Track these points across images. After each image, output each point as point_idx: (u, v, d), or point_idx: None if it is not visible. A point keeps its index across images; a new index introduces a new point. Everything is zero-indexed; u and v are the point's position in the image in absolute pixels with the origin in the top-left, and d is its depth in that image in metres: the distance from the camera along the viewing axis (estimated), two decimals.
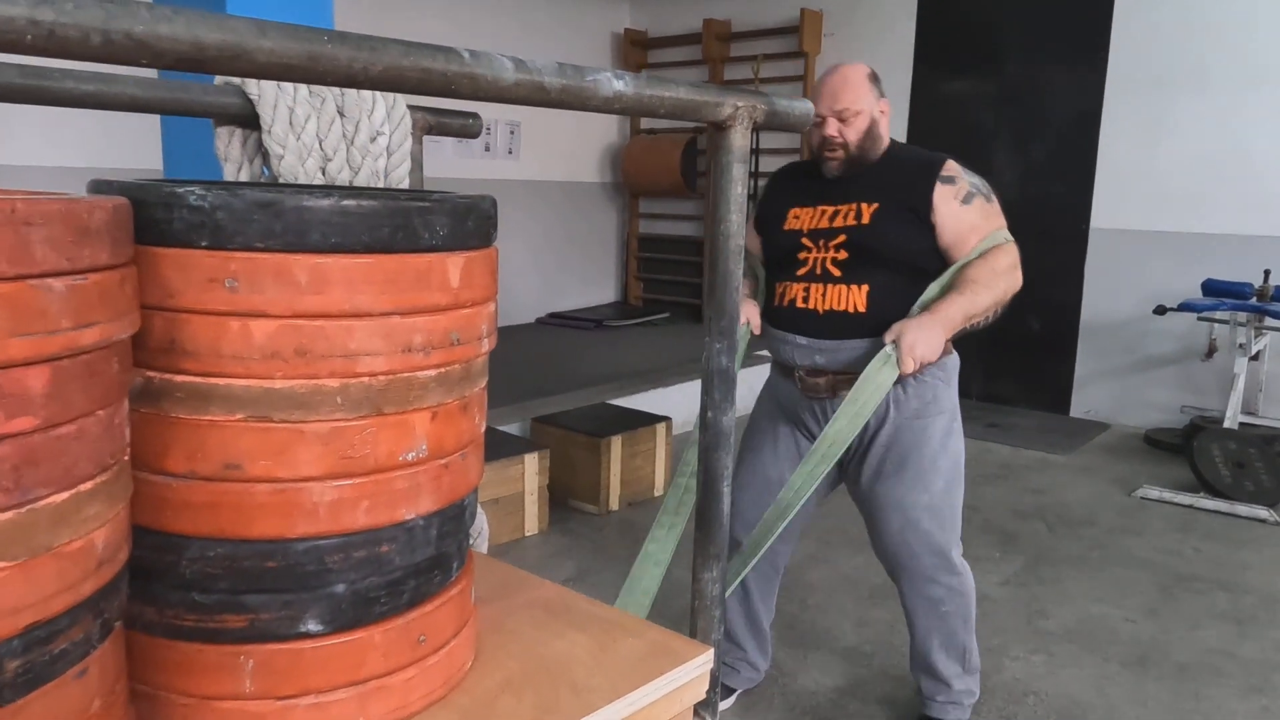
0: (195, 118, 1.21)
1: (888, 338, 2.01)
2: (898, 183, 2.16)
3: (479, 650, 1.03)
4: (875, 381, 1.95)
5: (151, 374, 0.80)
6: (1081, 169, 5.57)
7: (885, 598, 3.15)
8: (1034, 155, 5.79)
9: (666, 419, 4.19)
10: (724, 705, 2.52)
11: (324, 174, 1.18)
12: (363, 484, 0.83)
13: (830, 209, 2.20)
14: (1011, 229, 2.18)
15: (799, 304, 2.20)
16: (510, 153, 6.78)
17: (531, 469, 3.61)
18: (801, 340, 2.20)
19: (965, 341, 2.21)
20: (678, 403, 4.88)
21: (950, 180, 2.13)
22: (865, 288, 2.13)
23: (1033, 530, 3.84)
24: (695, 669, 1.05)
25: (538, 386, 4.77)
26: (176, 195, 0.78)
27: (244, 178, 1.21)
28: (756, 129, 1.04)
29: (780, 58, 6.66)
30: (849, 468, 2.29)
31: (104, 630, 0.71)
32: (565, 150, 7.21)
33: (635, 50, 7.37)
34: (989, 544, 3.63)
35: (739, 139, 1.01)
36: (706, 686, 1.08)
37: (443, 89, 0.75)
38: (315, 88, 1.19)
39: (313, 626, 0.84)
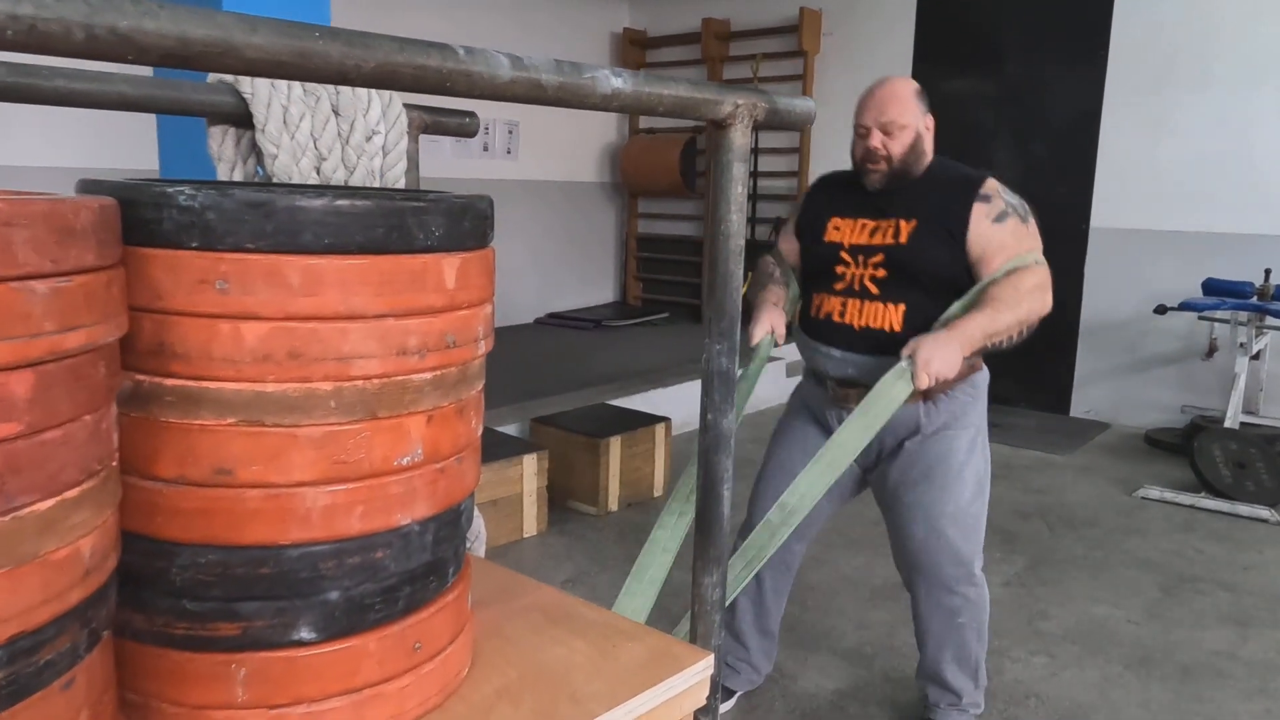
0: (192, 117, 1.19)
1: (904, 352, 2.00)
2: (937, 202, 2.15)
3: (476, 657, 1.01)
4: (888, 395, 1.94)
5: (141, 377, 0.78)
6: (1081, 168, 5.56)
7: (885, 599, 3.14)
8: (1034, 154, 5.78)
9: (666, 419, 4.18)
10: (723, 708, 2.49)
11: (319, 173, 1.17)
12: (357, 489, 0.82)
13: (871, 224, 2.20)
14: None
15: (835, 318, 2.21)
16: (509, 153, 6.77)
17: (530, 470, 3.59)
18: (836, 353, 2.21)
19: None
20: (677, 403, 4.86)
21: (986, 199, 2.13)
22: (902, 307, 2.14)
23: (1033, 531, 3.83)
24: (695, 675, 1.04)
25: (536, 387, 4.76)
26: (166, 195, 0.76)
27: (238, 177, 1.19)
28: (757, 128, 1.03)
29: (779, 57, 6.64)
30: (874, 475, 2.30)
31: (92, 640, 0.70)
32: (564, 150, 7.20)
33: (634, 50, 7.36)
34: (989, 545, 3.57)
35: (739, 137, 1.00)
36: (707, 692, 1.06)
37: (437, 86, 0.73)
38: (310, 86, 1.17)
39: (306, 634, 0.83)
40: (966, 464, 2.21)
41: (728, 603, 1.62)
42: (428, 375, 0.85)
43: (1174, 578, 3.41)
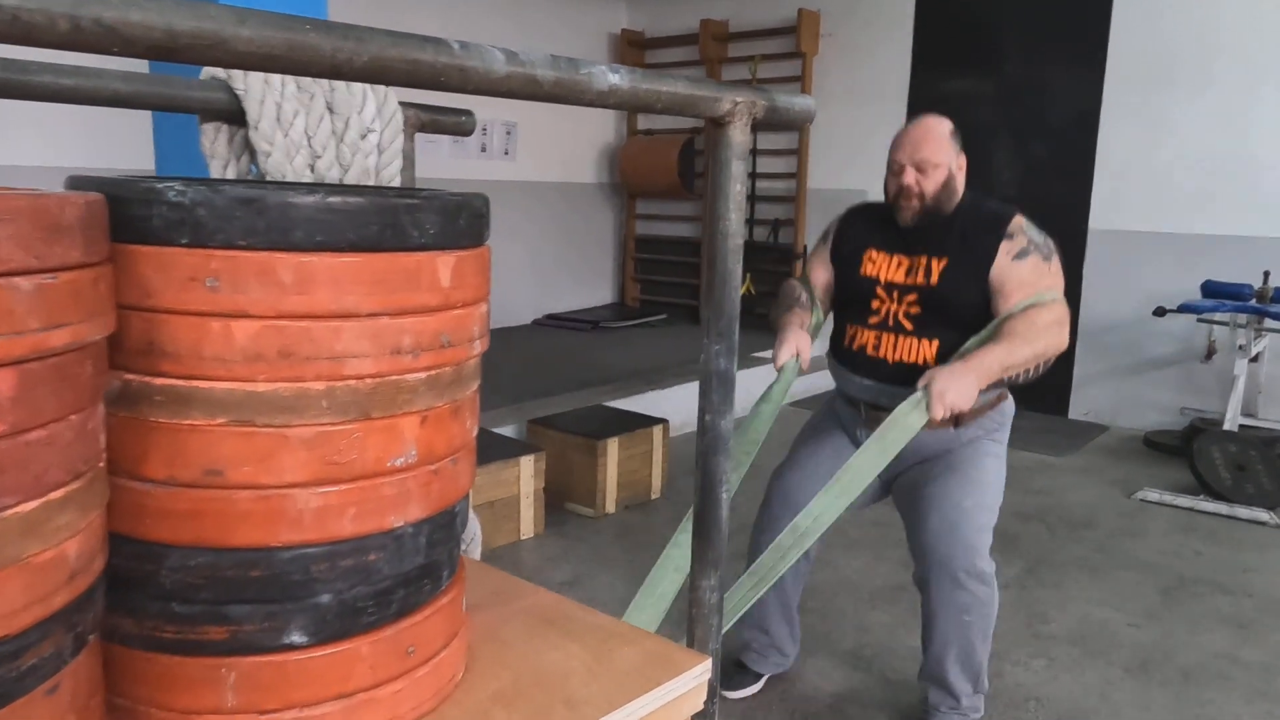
0: (189, 115, 1.18)
1: (921, 383, 2.05)
2: (967, 240, 2.22)
3: (471, 661, 1.00)
4: (903, 424, 1.99)
5: (129, 376, 0.77)
6: (1080, 169, 5.55)
7: (885, 601, 3.13)
8: (1032, 155, 5.77)
9: (664, 421, 4.16)
10: (750, 690, 2.56)
11: (313, 171, 1.15)
12: (349, 490, 0.81)
13: (905, 260, 2.27)
14: None
15: (869, 351, 2.29)
16: (506, 154, 6.76)
17: (527, 472, 3.58)
18: (869, 383, 2.28)
19: None
20: (675, 405, 4.85)
21: (1011, 236, 2.20)
22: (936, 342, 2.21)
23: (1033, 533, 3.82)
24: (693, 679, 1.03)
25: (534, 388, 4.75)
26: (155, 191, 0.75)
27: (231, 175, 1.18)
28: (756, 126, 1.02)
29: (778, 58, 6.63)
30: (897, 484, 2.36)
31: (77, 644, 0.68)
32: (562, 151, 7.19)
33: (632, 50, 7.35)
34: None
35: (738, 135, 0.98)
36: (704, 697, 1.05)
37: (431, 81, 0.72)
38: (304, 83, 1.16)
39: (297, 638, 0.81)
40: (990, 469, 2.28)
41: (730, 623, 1.63)
42: (422, 375, 0.84)
43: (1174, 580, 3.39)
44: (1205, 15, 5.10)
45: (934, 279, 2.22)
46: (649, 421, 4.13)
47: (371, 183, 1.25)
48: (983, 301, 2.19)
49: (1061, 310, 2.16)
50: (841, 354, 2.37)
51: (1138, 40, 5.32)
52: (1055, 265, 2.21)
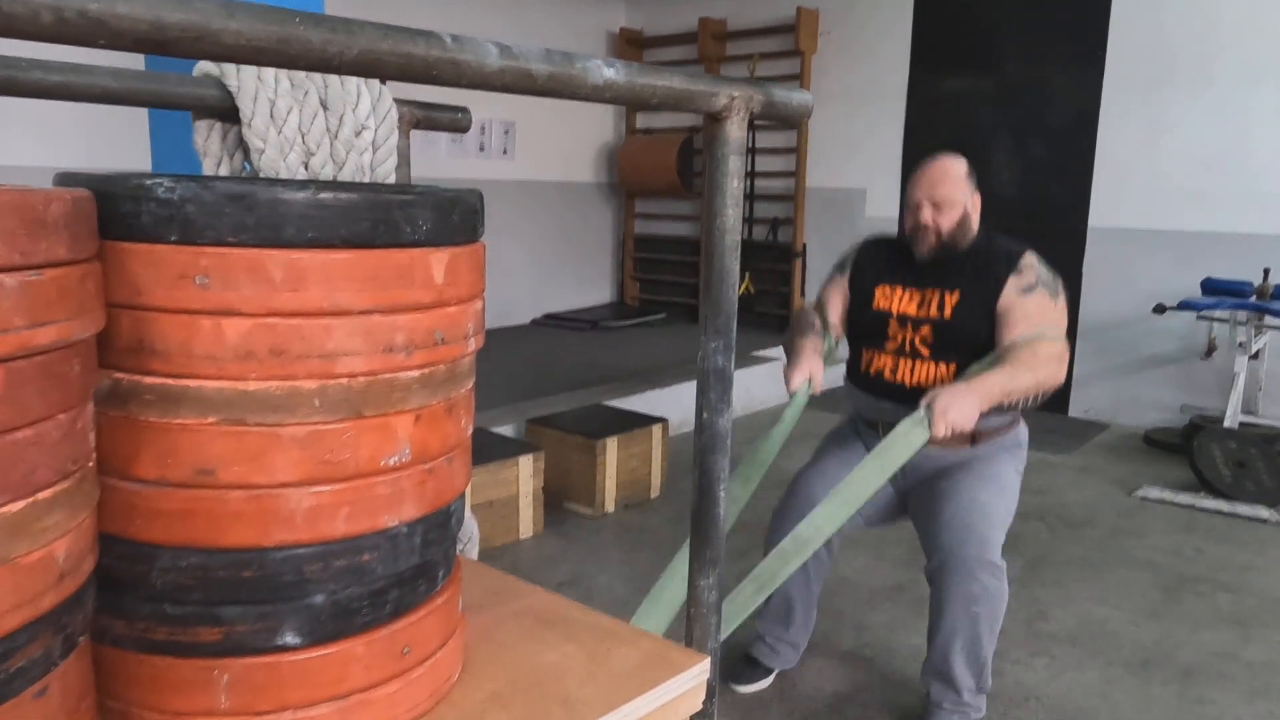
0: (183, 113, 1.17)
1: (924, 401, 2.08)
2: (979, 275, 2.30)
3: (467, 662, 0.99)
4: (904, 441, 2.04)
5: (119, 375, 0.76)
6: (1080, 167, 5.54)
7: (885, 601, 3.12)
8: (1032, 154, 5.76)
9: (663, 420, 4.16)
10: (762, 685, 2.58)
11: (307, 169, 1.14)
12: (342, 490, 0.80)
13: (918, 294, 2.35)
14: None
15: (887, 376, 2.37)
16: (505, 153, 6.75)
17: (526, 471, 3.57)
18: (888, 405, 2.34)
19: None
20: (674, 404, 4.85)
21: (1020, 271, 2.28)
22: (953, 365, 2.28)
23: (1033, 531, 3.81)
24: (691, 679, 1.02)
25: (533, 388, 4.74)
26: (144, 187, 0.74)
27: (223, 173, 1.17)
28: (753, 121, 1.01)
29: (776, 56, 6.63)
30: (912, 496, 2.41)
31: (66, 646, 0.67)
32: (560, 150, 7.18)
33: (630, 49, 7.35)
34: None
35: (735, 130, 0.97)
36: (703, 697, 1.04)
37: (424, 75, 0.71)
38: (298, 79, 1.15)
39: (291, 639, 0.80)
40: (1007, 475, 2.33)
41: (733, 628, 1.64)
42: (415, 373, 0.83)
43: (1174, 578, 3.39)
44: (1204, 15, 5.10)
45: (947, 312, 2.29)
46: (648, 421, 4.12)
47: (366, 180, 1.24)
48: (994, 332, 2.26)
49: (1062, 348, 2.22)
50: (859, 379, 2.45)
51: (1137, 39, 5.31)
52: (1061, 304, 2.28)
